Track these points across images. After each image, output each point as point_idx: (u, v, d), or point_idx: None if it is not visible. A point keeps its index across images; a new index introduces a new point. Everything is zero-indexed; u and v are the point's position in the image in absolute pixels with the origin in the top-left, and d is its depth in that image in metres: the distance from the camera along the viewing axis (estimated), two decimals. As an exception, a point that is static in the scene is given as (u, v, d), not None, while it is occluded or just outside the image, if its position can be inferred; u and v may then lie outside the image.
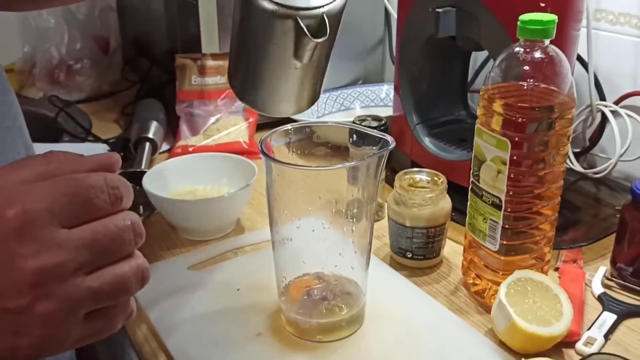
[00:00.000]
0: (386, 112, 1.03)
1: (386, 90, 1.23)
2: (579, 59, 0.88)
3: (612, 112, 0.90)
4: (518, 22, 0.61)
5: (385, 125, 0.86)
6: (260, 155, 0.60)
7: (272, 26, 0.57)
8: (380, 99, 1.23)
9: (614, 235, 0.75)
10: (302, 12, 0.56)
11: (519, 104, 0.61)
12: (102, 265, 0.40)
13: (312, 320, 0.63)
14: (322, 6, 0.56)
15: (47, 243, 0.37)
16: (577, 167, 0.92)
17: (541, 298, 0.62)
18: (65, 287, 0.38)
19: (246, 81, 0.63)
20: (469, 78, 1.01)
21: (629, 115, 0.88)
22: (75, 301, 0.39)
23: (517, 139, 0.61)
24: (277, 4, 0.55)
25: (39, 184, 0.39)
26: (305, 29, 0.56)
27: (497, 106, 0.62)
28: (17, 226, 0.37)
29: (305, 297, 0.64)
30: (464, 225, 0.72)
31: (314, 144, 0.68)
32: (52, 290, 0.38)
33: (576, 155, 0.95)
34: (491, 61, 1.06)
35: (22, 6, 0.86)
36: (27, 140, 0.67)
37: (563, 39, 0.70)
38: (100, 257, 0.40)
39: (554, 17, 0.60)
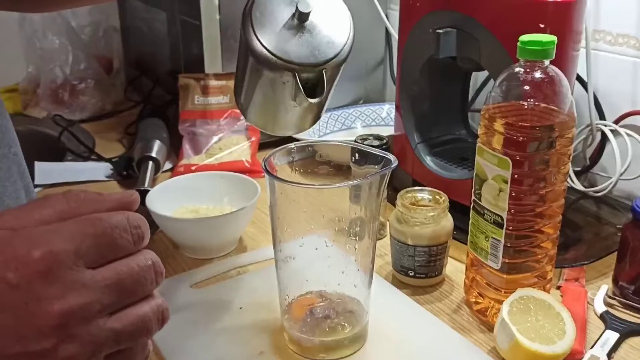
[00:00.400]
0: (387, 131, 1.03)
1: (387, 110, 1.24)
2: (579, 78, 0.89)
3: (612, 131, 0.91)
4: (518, 43, 0.61)
5: (386, 144, 0.86)
6: (263, 174, 0.60)
7: (270, 76, 0.57)
8: (381, 119, 1.24)
9: (615, 254, 0.75)
10: (300, 68, 0.56)
11: (520, 123, 0.61)
12: (125, 306, 0.40)
13: (315, 338, 0.63)
14: (322, 63, 0.57)
15: (72, 285, 0.37)
16: (578, 185, 0.93)
17: (544, 316, 0.62)
18: (89, 329, 0.37)
19: (248, 105, 0.64)
20: (470, 98, 1.02)
21: (628, 134, 0.89)
22: (98, 343, 0.38)
23: (518, 157, 0.61)
24: (275, 56, 0.55)
25: (64, 224, 0.38)
26: (302, 90, 0.56)
27: (498, 125, 0.63)
28: (43, 268, 0.36)
29: (308, 316, 0.64)
30: (465, 244, 0.72)
31: (317, 162, 0.68)
32: (77, 332, 0.37)
33: (577, 174, 0.95)
34: (491, 81, 1.07)
35: (31, 7, 0.86)
36: (22, 167, 0.66)
37: (562, 59, 0.71)
38: (123, 298, 0.39)
39: (553, 37, 0.61)
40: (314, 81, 0.58)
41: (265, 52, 0.56)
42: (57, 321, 0.36)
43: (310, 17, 0.56)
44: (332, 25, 0.58)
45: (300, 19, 0.56)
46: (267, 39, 0.56)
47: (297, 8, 0.56)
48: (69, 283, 0.37)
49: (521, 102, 0.62)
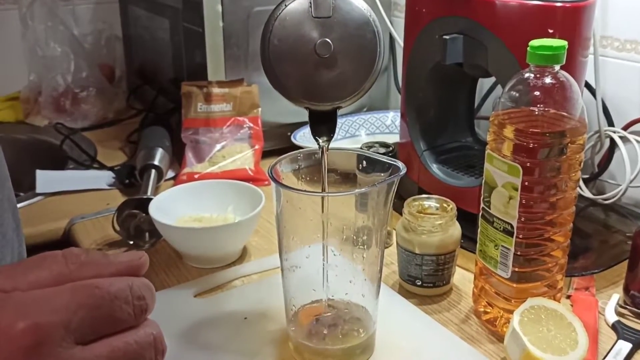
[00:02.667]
0: (391, 139, 1.02)
1: (391, 117, 1.23)
2: (587, 85, 0.88)
3: (621, 137, 0.90)
4: (528, 48, 0.60)
5: (393, 151, 0.85)
6: (267, 182, 0.59)
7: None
8: (385, 126, 1.23)
9: (625, 262, 0.74)
10: (312, 105, 0.57)
11: (531, 130, 0.60)
12: None
13: (320, 347, 0.61)
14: (335, 103, 0.56)
15: None
16: (587, 193, 0.92)
17: (555, 326, 0.61)
18: None
19: None
20: (476, 104, 1.01)
21: (637, 141, 0.88)
22: None
23: (528, 164, 0.60)
24: (287, 90, 0.55)
25: (58, 291, 0.35)
26: (310, 126, 0.58)
27: (508, 132, 0.62)
28: (28, 344, 0.32)
29: (315, 324, 0.63)
30: (473, 252, 0.71)
31: (323, 170, 0.67)
32: None
33: (585, 181, 0.94)
34: (498, 87, 1.06)
35: None
36: (2, 177, 0.61)
37: (572, 65, 0.70)
38: None
39: (564, 42, 0.60)
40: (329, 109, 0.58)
41: (277, 84, 0.55)
42: None
43: (334, 49, 0.54)
44: (356, 60, 0.55)
45: (320, 55, 0.54)
46: (282, 70, 0.55)
47: (315, 47, 0.54)
48: None
49: (531, 108, 0.61)
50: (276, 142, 1.14)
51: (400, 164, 0.59)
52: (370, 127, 1.23)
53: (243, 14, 1.07)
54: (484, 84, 1.09)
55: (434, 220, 0.72)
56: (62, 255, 0.37)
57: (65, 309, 0.34)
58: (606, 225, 0.90)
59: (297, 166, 0.65)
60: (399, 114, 0.97)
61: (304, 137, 1.11)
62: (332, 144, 1.24)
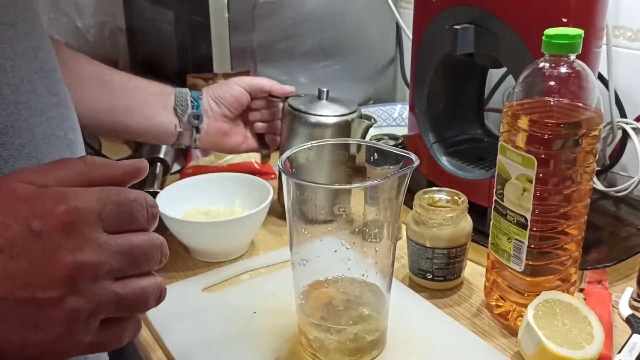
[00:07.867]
0: (399, 131, 1.01)
1: (399, 110, 1.22)
2: (599, 76, 0.87)
3: (634, 129, 0.88)
4: (543, 37, 0.59)
5: (402, 144, 0.84)
6: (273, 175, 0.58)
7: None
8: (392, 119, 1.22)
9: (638, 255, 0.73)
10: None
11: (546, 120, 0.59)
12: (129, 275, 0.42)
13: (332, 337, 0.60)
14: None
15: (90, 242, 0.39)
16: (599, 185, 0.91)
17: (571, 320, 0.60)
18: (95, 287, 0.39)
19: None
20: (485, 96, 1.00)
21: (650, 133, 0.87)
22: (101, 303, 0.40)
23: (543, 156, 0.59)
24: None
25: (89, 189, 0.41)
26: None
27: (522, 123, 0.60)
28: (67, 221, 0.38)
29: (326, 308, 0.62)
30: (483, 246, 0.70)
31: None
32: (84, 288, 0.39)
33: (597, 173, 0.93)
34: (508, 79, 1.05)
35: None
36: (76, 154, 0.61)
37: (585, 56, 0.68)
38: (130, 267, 0.41)
39: (580, 31, 0.59)
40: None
41: None
42: (69, 272, 0.38)
43: None
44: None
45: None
46: None
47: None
48: (87, 239, 0.39)
49: (546, 99, 0.60)
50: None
51: (413, 156, 0.58)
52: (378, 119, 1.21)
53: (249, 5, 1.06)
54: (493, 75, 1.08)
55: (445, 213, 0.71)
56: (79, 158, 0.43)
57: (97, 200, 0.40)
58: (618, 217, 0.89)
59: (307, 159, 0.64)
60: (407, 107, 0.96)
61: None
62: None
